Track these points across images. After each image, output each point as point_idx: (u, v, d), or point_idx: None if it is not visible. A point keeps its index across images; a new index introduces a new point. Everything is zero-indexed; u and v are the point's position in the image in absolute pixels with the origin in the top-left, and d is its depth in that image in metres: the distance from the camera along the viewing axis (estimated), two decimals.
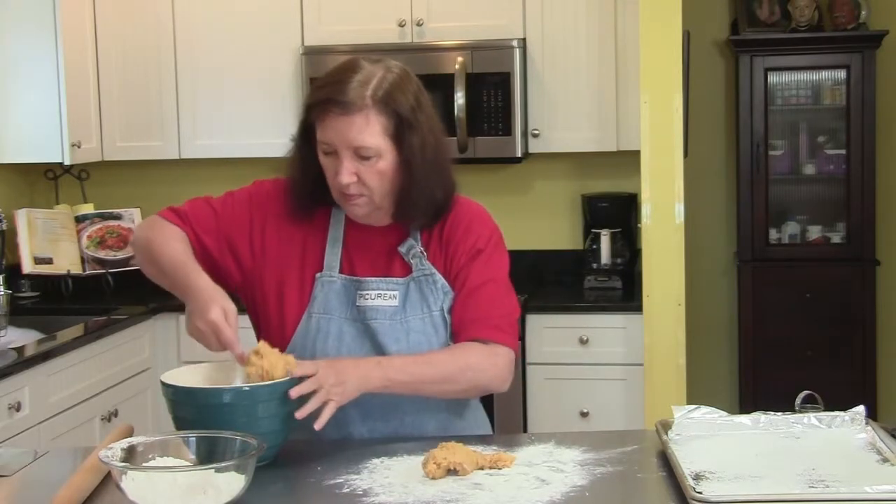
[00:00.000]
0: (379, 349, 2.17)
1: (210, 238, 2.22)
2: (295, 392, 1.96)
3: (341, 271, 2.21)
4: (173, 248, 2.17)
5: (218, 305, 2.02)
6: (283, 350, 2.08)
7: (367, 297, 2.20)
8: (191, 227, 2.22)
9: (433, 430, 2.18)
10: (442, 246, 2.23)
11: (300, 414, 1.97)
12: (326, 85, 2.12)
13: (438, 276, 2.21)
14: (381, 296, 2.19)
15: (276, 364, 1.98)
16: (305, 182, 2.20)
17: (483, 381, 2.17)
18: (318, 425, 1.98)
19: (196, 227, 2.22)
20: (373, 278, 2.20)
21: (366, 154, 2.09)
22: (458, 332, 2.19)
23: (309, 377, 1.99)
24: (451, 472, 1.88)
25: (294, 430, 2.01)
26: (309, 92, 2.17)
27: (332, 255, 2.22)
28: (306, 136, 2.16)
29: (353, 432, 2.19)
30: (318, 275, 2.21)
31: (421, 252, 2.21)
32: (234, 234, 2.23)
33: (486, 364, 2.16)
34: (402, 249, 2.21)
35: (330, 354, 2.15)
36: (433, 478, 1.86)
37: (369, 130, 2.08)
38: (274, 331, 2.21)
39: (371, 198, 2.13)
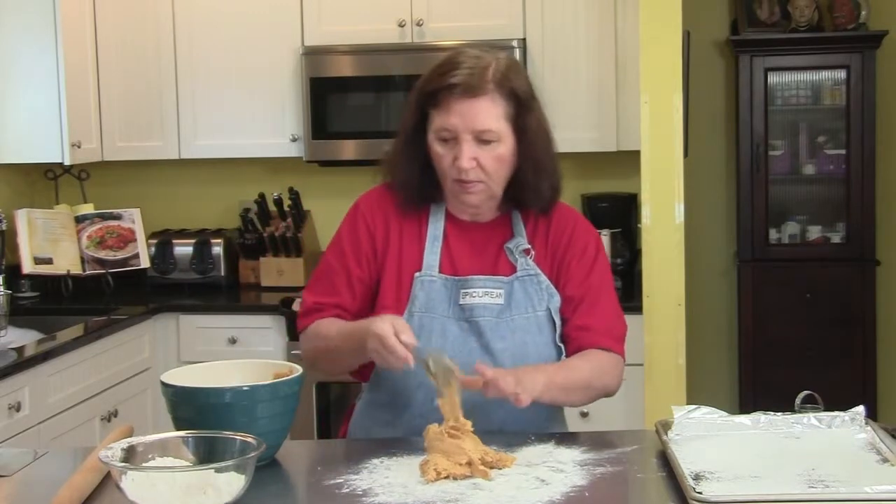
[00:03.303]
0: (484, 347, 2.18)
1: (346, 297, 2.23)
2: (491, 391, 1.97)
3: (441, 270, 2.22)
4: (332, 333, 2.18)
5: (384, 321, 2.01)
6: None
7: (473, 294, 2.20)
8: (328, 309, 2.23)
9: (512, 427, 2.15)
10: (549, 248, 2.25)
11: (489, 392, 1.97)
12: (444, 73, 2.14)
13: (543, 277, 2.22)
14: (489, 294, 2.20)
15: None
16: (414, 175, 2.20)
17: (610, 388, 2.23)
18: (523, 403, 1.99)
19: (330, 301, 2.23)
20: (479, 276, 2.21)
21: (488, 138, 2.11)
22: (578, 338, 2.21)
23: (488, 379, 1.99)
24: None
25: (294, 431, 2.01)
26: (422, 82, 2.18)
27: (432, 254, 2.23)
28: (419, 127, 2.17)
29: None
30: (416, 274, 2.21)
31: (527, 251, 2.22)
32: (363, 272, 2.24)
33: (615, 372, 2.22)
34: (510, 246, 2.23)
35: None
36: (430, 481, 1.86)
37: (494, 113, 2.11)
38: None
39: (488, 184, 2.15)
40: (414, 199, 2.24)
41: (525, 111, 2.15)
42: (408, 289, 2.21)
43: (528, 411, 2.07)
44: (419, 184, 2.21)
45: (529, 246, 2.23)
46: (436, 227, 2.24)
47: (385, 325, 1.99)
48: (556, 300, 2.23)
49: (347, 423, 2.37)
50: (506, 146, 2.14)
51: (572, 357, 2.21)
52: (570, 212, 2.32)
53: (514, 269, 2.22)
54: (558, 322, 2.23)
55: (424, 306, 2.20)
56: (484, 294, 2.20)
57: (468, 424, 1.93)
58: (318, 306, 2.25)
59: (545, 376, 2.09)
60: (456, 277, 2.21)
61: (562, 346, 2.23)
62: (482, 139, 2.11)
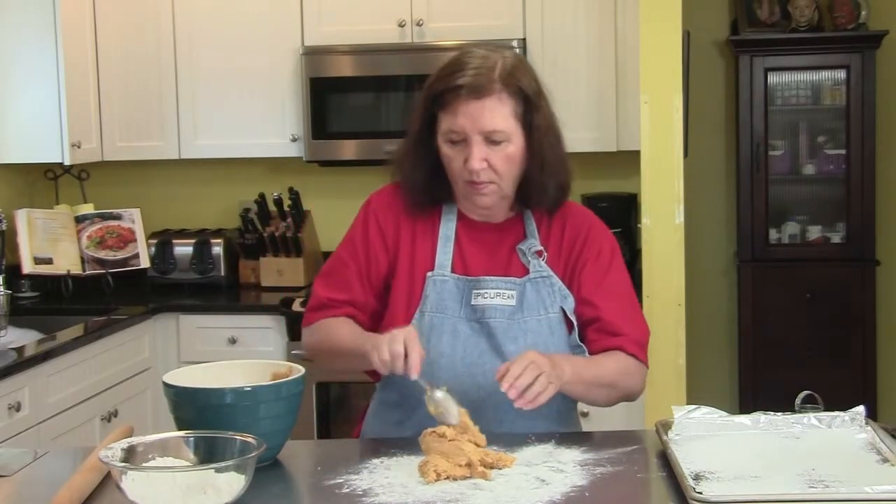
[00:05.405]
0: (495, 348, 2.18)
1: (358, 293, 2.24)
2: (510, 384, 1.93)
3: (453, 270, 2.21)
4: (342, 337, 2.18)
5: (399, 330, 2.02)
6: None
7: (485, 295, 2.19)
8: (340, 306, 2.23)
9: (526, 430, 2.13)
10: (563, 250, 2.23)
11: (520, 403, 1.94)
12: (450, 74, 2.12)
13: (556, 279, 2.21)
14: (500, 294, 2.19)
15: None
16: (422, 177, 2.20)
17: (633, 392, 2.24)
18: (534, 404, 1.96)
19: (342, 297, 2.24)
20: (491, 277, 2.20)
21: (497, 138, 2.10)
22: (600, 340, 2.20)
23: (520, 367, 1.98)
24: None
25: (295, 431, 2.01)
26: (429, 84, 2.16)
27: (444, 254, 2.22)
28: (426, 129, 2.16)
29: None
30: (428, 274, 2.21)
31: (540, 252, 2.21)
32: (373, 269, 2.24)
33: (638, 377, 2.23)
34: (523, 247, 2.22)
35: (445, 353, 2.16)
36: (430, 482, 1.85)
37: (502, 113, 2.10)
38: (381, 330, 2.20)
39: (500, 185, 2.15)
40: (422, 201, 2.23)
41: (533, 109, 2.14)
42: (420, 289, 2.21)
43: (539, 412, 2.06)
44: (428, 185, 2.20)
45: (542, 248, 2.22)
46: (447, 227, 2.24)
47: (398, 332, 2.00)
48: (570, 301, 2.22)
49: (361, 423, 2.37)
50: (515, 145, 2.13)
51: (600, 355, 2.20)
52: (585, 214, 2.30)
53: (526, 271, 2.21)
54: (575, 323, 2.22)
55: (436, 306, 2.19)
56: (496, 295, 2.19)
57: (483, 438, 1.93)
58: (330, 302, 2.25)
59: (572, 367, 2.09)
60: (468, 277, 2.21)
61: (582, 347, 2.22)
62: (492, 139, 2.10)
